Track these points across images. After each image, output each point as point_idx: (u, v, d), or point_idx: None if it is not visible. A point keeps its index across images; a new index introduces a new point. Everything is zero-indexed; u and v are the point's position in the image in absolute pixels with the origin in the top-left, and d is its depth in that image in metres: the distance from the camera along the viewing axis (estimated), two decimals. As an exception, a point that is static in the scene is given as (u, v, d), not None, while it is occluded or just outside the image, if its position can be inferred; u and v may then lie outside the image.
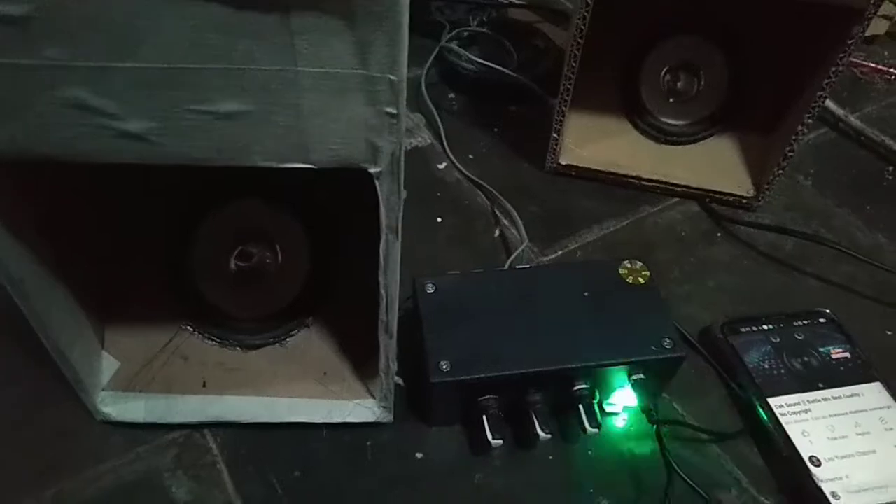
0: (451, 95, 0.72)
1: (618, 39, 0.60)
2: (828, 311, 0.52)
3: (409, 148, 0.66)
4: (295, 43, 0.24)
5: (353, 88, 0.26)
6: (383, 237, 0.32)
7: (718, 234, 0.60)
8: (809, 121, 0.53)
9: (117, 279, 0.43)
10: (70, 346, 0.39)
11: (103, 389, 0.43)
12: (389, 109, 0.27)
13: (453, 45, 0.71)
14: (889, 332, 0.54)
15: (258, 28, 0.24)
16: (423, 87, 0.70)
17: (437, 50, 0.72)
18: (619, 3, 0.52)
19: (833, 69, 0.50)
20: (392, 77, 0.25)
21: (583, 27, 0.51)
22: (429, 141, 0.67)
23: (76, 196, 0.38)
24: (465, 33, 0.75)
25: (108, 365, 0.43)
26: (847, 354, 0.50)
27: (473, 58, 0.69)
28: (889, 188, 0.66)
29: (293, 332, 0.45)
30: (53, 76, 0.24)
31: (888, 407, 0.47)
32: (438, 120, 0.67)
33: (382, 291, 0.35)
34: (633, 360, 0.44)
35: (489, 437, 0.42)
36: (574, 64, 0.54)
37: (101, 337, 0.43)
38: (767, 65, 0.59)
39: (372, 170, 0.29)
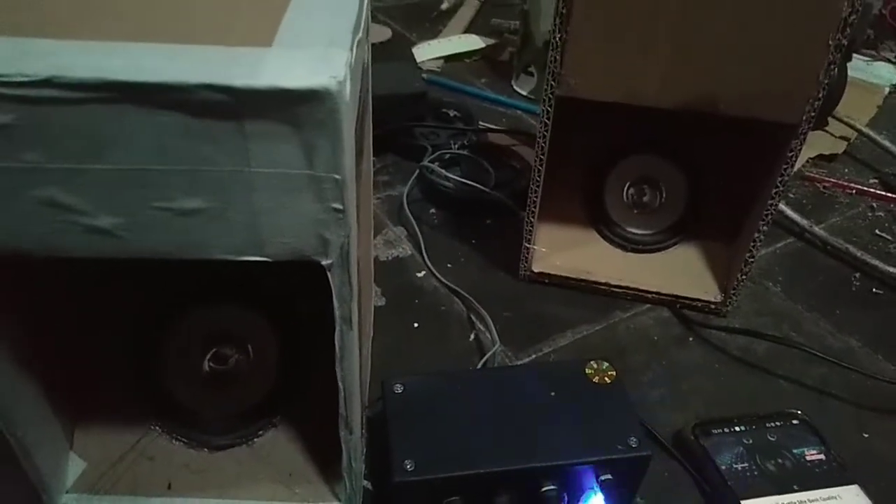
0: (432, 210, 0.76)
1: (581, 157, 0.64)
2: (800, 412, 0.52)
3: (390, 258, 0.69)
4: (248, 146, 0.27)
5: (301, 187, 0.29)
6: (337, 328, 0.34)
7: (690, 339, 0.61)
8: (764, 228, 0.56)
9: (87, 378, 0.44)
10: (36, 446, 0.39)
11: (67, 492, 0.43)
12: (336, 205, 0.29)
13: (432, 165, 0.76)
14: (865, 435, 0.53)
15: (215, 134, 0.27)
16: (405, 203, 0.74)
17: (418, 169, 0.77)
18: (578, 125, 0.57)
19: (780, 179, 0.53)
20: (336, 176, 0.28)
21: (544, 145, 0.56)
22: (409, 252, 0.70)
23: (48, 294, 0.40)
24: (447, 155, 0.81)
25: (74, 465, 0.43)
26: (822, 456, 0.49)
27: (450, 175, 0.73)
28: (857, 294, 0.67)
29: (260, 432, 0.46)
30: (30, 177, 0.27)
31: (867, 510, 0.46)
32: (419, 232, 0.70)
33: (340, 383, 0.37)
34: (598, 458, 0.44)
35: (454, 540, 0.42)
36: (539, 179, 0.58)
37: (69, 437, 0.44)
38: (722, 177, 0.63)
39: (323, 262, 0.31)
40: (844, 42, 0.46)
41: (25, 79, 0.25)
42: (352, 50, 0.29)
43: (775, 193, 0.54)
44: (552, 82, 0.52)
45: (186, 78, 0.25)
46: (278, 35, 0.29)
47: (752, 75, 0.48)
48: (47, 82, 0.25)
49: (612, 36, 0.48)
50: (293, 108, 0.26)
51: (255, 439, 0.46)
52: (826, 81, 0.48)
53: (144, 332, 0.45)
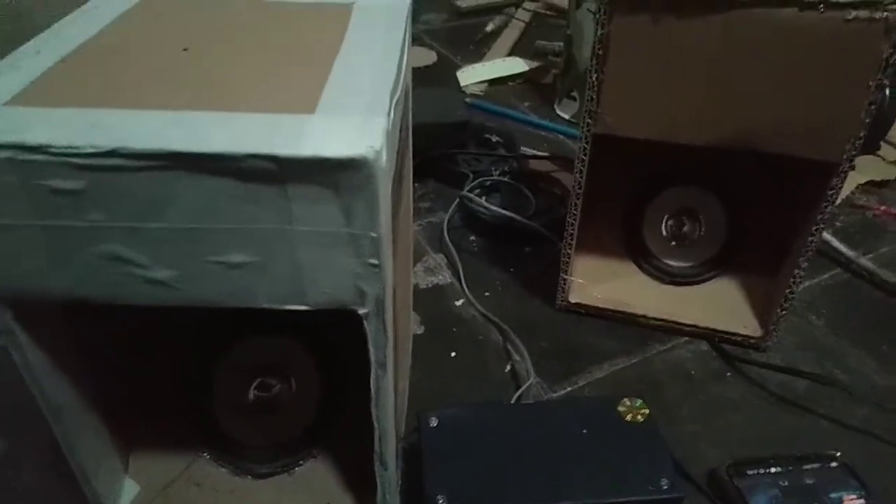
0: (472, 238, 0.77)
1: (620, 188, 0.65)
2: (839, 454, 0.51)
3: (430, 286, 0.71)
4: (291, 207, 0.29)
5: (340, 243, 0.30)
6: (373, 371, 0.36)
7: (728, 374, 0.61)
8: (804, 264, 0.55)
9: (142, 408, 0.47)
10: (95, 471, 0.42)
11: (122, 513, 0.46)
12: (372, 261, 0.31)
13: (472, 195, 0.77)
14: (909, 479, 0.52)
15: (261, 196, 0.29)
16: (446, 231, 0.75)
17: (458, 198, 0.78)
18: (617, 157, 0.58)
19: (819, 217, 0.53)
20: (373, 234, 0.30)
21: (581, 180, 0.56)
22: (449, 280, 0.71)
23: (107, 330, 0.43)
24: (488, 182, 0.82)
25: (129, 489, 0.46)
26: (861, 501, 0.48)
27: (489, 206, 0.75)
28: (905, 329, 0.66)
29: (301, 462, 0.48)
30: (95, 234, 0.30)
31: (907, 559, 0.45)
32: (458, 260, 0.72)
33: (375, 423, 0.38)
34: (629, 499, 0.44)
35: (485, 574, 0.43)
36: (576, 211, 0.59)
37: (125, 461, 0.47)
38: (762, 211, 0.62)
39: (360, 311, 0.33)
40: (886, 82, 0.45)
41: (94, 150, 0.28)
42: (389, 115, 0.30)
43: (816, 230, 0.53)
44: (589, 120, 0.53)
45: (235, 148, 0.28)
46: (321, 101, 0.31)
47: (790, 114, 0.48)
48: (113, 153, 0.28)
49: (648, 76, 0.49)
50: (333, 174, 0.28)
51: (296, 469, 0.48)
52: (868, 120, 0.47)
53: (195, 363, 0.48)
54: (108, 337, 0.44)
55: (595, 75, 0.50)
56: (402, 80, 0.35)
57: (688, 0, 0.45)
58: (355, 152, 0.28)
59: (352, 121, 0.29)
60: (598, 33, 0.48)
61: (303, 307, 0.33)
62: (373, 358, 0.35)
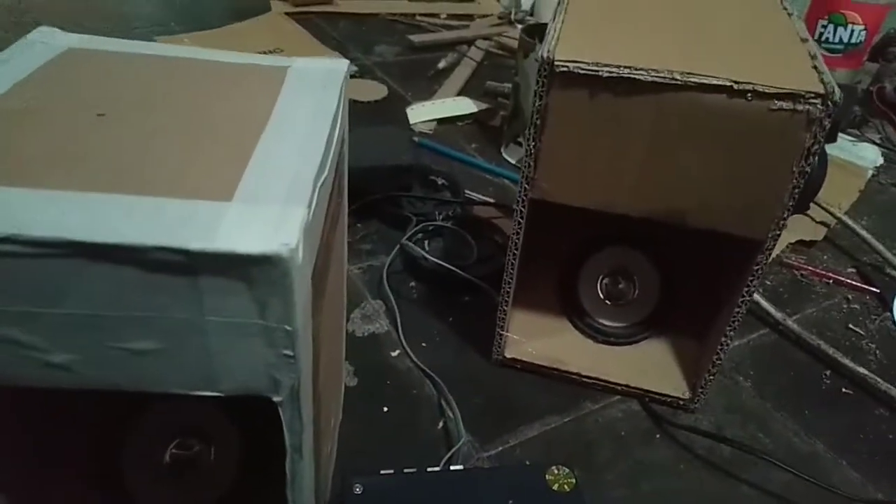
0: (412, 284, 0.76)
1: (557, 247, 0.65)
2: (758, 524, 0.52)
3: (365, 335, 0.69)
4: (202, 298, 0.28)
5: (253, 334, 0.29)
6: (289, 456, 0.34)
7: (657, 435, 0.62)
8: (731, 333, 0.57)
9: (51, 478, 0.45)
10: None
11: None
12: (286, 352, 0.30)
13: (411, 243, 0.77)
14: (825, 548, 0.53)
15: (169, 286, 0.28)
16: (385, 277, 0.75)
17: (399, 244, 0.78)
18: (554, 216, 0.58)
19: (746, 289, 0.54)
20: (287, 327, 0.29)
21: (517, 241, 0.57)
22: (386, 328, 0.70)
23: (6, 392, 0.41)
24: (431, 227, 0.82)
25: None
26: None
27: (428, 256, 0.74)
28: (826, 393, 0.68)
29: (218, 531, 0.46)
30: (-11, 319, 0.28)
31: None
32: (396, 308, 0.71)
33: (291, 504, 0.37)
34: (551, 575, 0.44)
35: None
36: (512, 270, 0.59)
37: (25, 530, 0.44)
38: (694, 275, 0.63)
39: (274, 398, 0.32)
40: (807, 169, 0.47)
41: (-15, 235, 0.26)
42: (311, 203, 0.30)
43: (742, 301, 0.55)
44: (525, 185, 0.53)
45: (142, 239, 0.26)
46: (240, 186, 0.30)
47: (717, 195, 0.49)
48: (7, 240, 0.26)
49: (584, 150, 0.50)
50: (246, 269, 0.27)
51: (211, 538, 0.46)
52: (791, 203, 0.49)
53: (106, 423, 0.45)
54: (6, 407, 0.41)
55: (532, 143, 0.50)
56: (331, 157, 0.35)
57: (622, 80, 0.46)
58: (269, 249, 0.27)
59: (269, 212, 0.28)
60: (536, 104, 0.48)
61: (213, 393, 0.32)
62: (288, 443, 0.34)
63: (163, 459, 0.47)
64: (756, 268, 0.52)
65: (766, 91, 0.45)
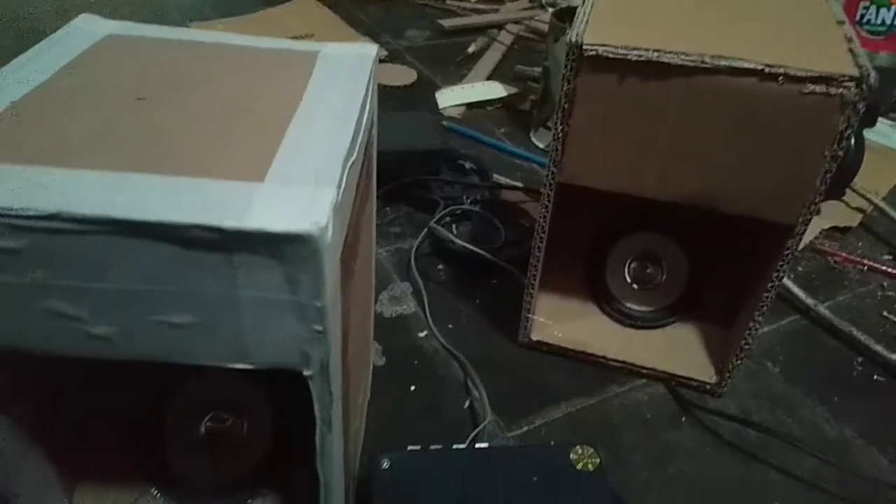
0: (440, 267, 0.77)
1: (585, 231, 0.66)
2: (784, 508, 0.52)
3: (393, 316, 0.71)
4: (236, 274, 0.29)
5: (285, 310, 0.30)
6: (318, 429, 0.36)
7: (683, 419, 0.62)
8: (760, 317, 0.56)
9: (87, 442, 0.47)
10: (38, 504, 0.42)
11: (64, 549, 0.45)
12: (317, 327, 0.31)
13: (439, 226, 0.77)
14: (851, 534, 0.53)
15: (204, 262, 0.29)
16: (413, 260, 0.76)
17: (427, 227, 0.79)
18: (583, 198, 0.58)
19: (775, 274, 0.54)
20: (318, 303, 0.30)
21: (544, 225, 0.57)
22: (413, 309, 0.71)
23: (51, 368, 0.43)
24: (459, 211, 0.82)
25: (72, 525, 0.46)
26: (802, 557, 0.49)
27: (455, 240, 0.75)
28: (858, 380, 0.67)
29: (250, 501, 0.48)
30: (37, 291, 0.30)
31: None
32: (423, 290, 0.72)
33: (321, 478, 0.38)
34: (573, 551, 0.45)
35: None
36: (539, 253, 0.59)
37: (69, 496, 0.46)
38: (723, 260, 0.63)
39: (305, 372, 0.33)
40: (840, 153, 0.46)
41: (35, 213, 0.27)
42: (340, 184, 0.30)
43: (771, 286, 0.54)
44: (553, 169, 0.53)
45: (179, 218, 0.28)
46: (272, 168, 0.31)
47: (748, 178, 0.49)
48: (55, 216, 0.27)
49: (612, 133, 0.50)
50: (278, 246, 0.28)
51: (244, 508, 0.47)
52: (823, 187, 0.48)
53: (145, 396, 0.47)
54: (54, 377, 0.43)
55: (560, 127, 0.51)
56: (360, 140, 0.36)
57: (651, 64, 0.46)
58: (301, 228, 0.28)
59: (300, 192, 0.29)
60: (564, 88, 0.48)
61: (246, 366, 0.33)
62: (318, 417, 0.35)
63: (198, 432, 0.49)
64: (786, 252, 0.52)
65: (798, 75, 0.44)
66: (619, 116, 0.49)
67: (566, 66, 0.48)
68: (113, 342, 0.32)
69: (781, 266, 0.53)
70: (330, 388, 0.34)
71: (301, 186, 0.30)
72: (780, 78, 0.44)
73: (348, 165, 0.32)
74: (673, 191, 0.51)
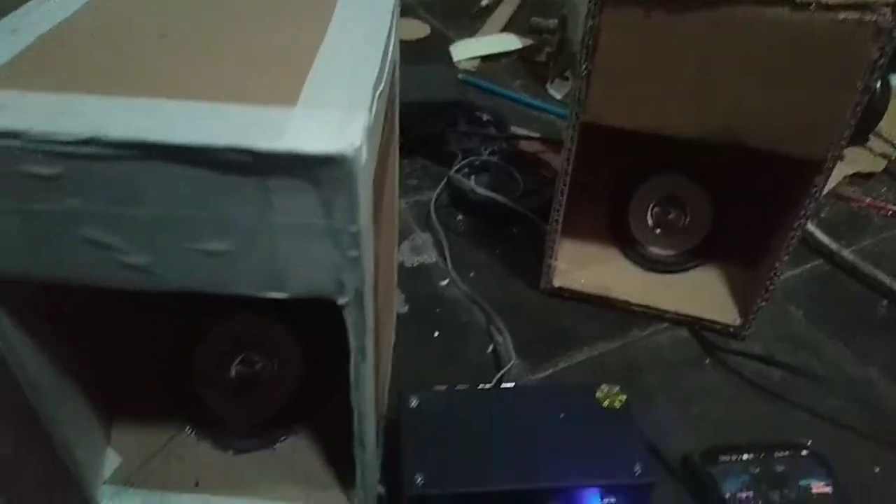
0: (459, 217, 0.77)
1: (607, 175, 0.65)
2: (810, 443, 0.52)
3: (415, 265, 0.71)
4: (270, 199, 0.29)
5: (320, 235, 0.31)
6: (353, 358, 0.36)
7: (706, 361, 0.62)
8: (786, 257, 0.56)
9: (124, 381, 0.48)
10: (76, 442, 0.43)
11: (104, 482, 0.46)
12: (351, 253, 0.31)
13: (459, 175, 0.77)
14: (877, 469, 0.53)
15: (239, 187, 0.29)
16: (433, 210, 0.75)
17: (447, 177, 0.78)
18: (606, 144, 0.58)
19: (802, 212, 0.53)
20: (352, 228, 0.30)
21: (568, 167, 0.57)
22: (434, 259, 0.72)
23: (88, 305, 0.43)
24: (477, 162, 0.82)
25: (111, 460, 0.47)
26: (828, 490, 0.50)
27: (476, 188, 0.75)
28: (882, 321, 0.67)
29: (282, 439, 0.49)
30: (74, 219, 0.30)
31: (868, 547, 0.47)
32: (444, 240, 0.72)
33: (355, 408, 0.39)
34: (602, 483, 0.45)
35: (459, 553, 0.44)
36: (562, 197, 0.59)
37: (107, 434, 0.47)
38: (747, 203, 0.62)
39: (339, 301, 0.33)
40: (873, 84, 0.45)
41: (70, 137, 0.27)
42: (371, 109, 0.30)
43: (798, 224, 0.54)
44: (577, 108, 0.53)
45: (213, 140, 0.27)
46: (302, 94, 0.30)
47: (777, 112, 0.48)
48: (90, 141, 0.27)
49: (637, 67, 0.49)
50: (312, 169, 0.28)
51: (277, 445, 0.48)
52: (853, 121, 0.47)
53: (178, 338, 0.48)
54: (90, 315, 0.44)
55: (584, 65, 0.50)
56: (386, 70, 0.35)
57: (678, -7, 0.45)
58: (335, 149, 0.27)
59: (333, 115, 0.29)
60: (589, 24, 0.47)
61: (281, 295, 0.33)
62: (352, 345, 0.35)
63: (229, 374, 0.49)
64: (813, 189, 0.51)
65: (831, 2, 0.43)
66: (644, 51, 0.48)
67: (590, 1, 0.47)
68: (148, 272, 0.32)
69: (808, 203, 0.52)
70: (364, 317, 0.34)
71: (333, 110, 0.29)
72: (812, 6, 0.43)
73: (378, 92, 0.32)
74: (699, 127, 0.51)
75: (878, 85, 0.77)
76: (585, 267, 0.66)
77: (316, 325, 0.48)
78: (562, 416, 0.49)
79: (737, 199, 0.63)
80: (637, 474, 0.45)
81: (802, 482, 0.50)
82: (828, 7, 0.43)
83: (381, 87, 0.33)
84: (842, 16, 0.43)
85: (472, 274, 0.70)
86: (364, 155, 0.28)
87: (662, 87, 0.49)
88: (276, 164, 0.28)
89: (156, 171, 0.28)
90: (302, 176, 0.28)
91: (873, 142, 0.87)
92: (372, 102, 0.31)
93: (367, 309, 0.34)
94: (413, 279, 0.69)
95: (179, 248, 0.31)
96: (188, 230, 0.31)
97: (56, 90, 0.29)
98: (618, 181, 0.65)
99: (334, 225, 0.30)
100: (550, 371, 0.60)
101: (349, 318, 0.34)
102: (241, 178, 0.29)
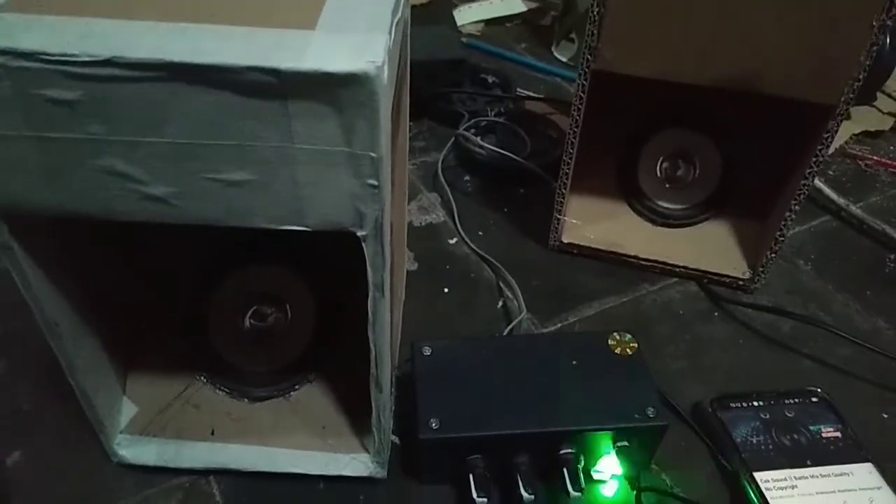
0: (467, 178, 0.77)
1: (616, 128, 0.65)
2: (819, 389, 0.53)
3: (423, 224, 0.71)
4: (292, 124, 0.29)
5: (340, 163, 0.30)
6: (371, 294, 0.36)
7: (716, 314, 0.62)
8: (796, 208, 0.56)
9: (141, 330, 0.48)
10: (94, 390, 0.43)
11: (121, 432, 0.47)
12: (371, 181, 0.31)
13: (467, 133, 0.77)
14: (885, 415, 0.54)
15: (261, 111, 0.29)
16: (440, 170, 0.75)
17: (454, 137, 0.78)
18: (614, 97, 0.57)
19: (814, 160, 0.53)
20: (373, 154, 0.30)
21: (578, 118, 0.56)
22: (442, 218, 0.72)
23: (104, 252, 0.43)
24: (483, 122, 0.81)
25: (127, 409, 0.47)
26: (838, 434, 0.50)
27: (485, 144, 0.74)
28: (890, 275, 0.67)
29: (297, 387, 0.49)
30: (93, 148, 0.30)
31: (878, 488, 0.47)
32: (452, 200, 0.72)
33: (372, 346, 0.39)
34: (615, 426, 0.46)
35: (474, 495, 0.44)
36: (572, 150, 0.59)
37: (122, 383, 0.47)
38: (756, 156, 0.62)
39: (358, 233, 0.33)
40: (889, 23, 0.45)
41: (89, 58, 0.27)
42: (390, 33, 0.30)
43: (809, 174, 0.54)
44: (588, 56, 0.52)
45: (236, 60, 0.27)
46: (322, 18, 0.30)
47: (792, 54, 0.48)
48: (109, 62, 0.27)
49: (651, 11, 0.48)
50: (334, 90, 0.28)
51: (292, 393, 0.49)
52: (868, 63, 0.47)
53: (192, 289, 0.48)
54: (107, 261, 0.44)
55: (597, 9, 0.49)
56: (402, 4, 0.35)
57: (695, -70, 0.44)
58: (357, 67, 0.27)
59: (354, 37, 0.29)
60: (602, -35, 0.47)
61: (302, 228, 0.33)
62: (371, 280, 0.35)
63: (243, 324, 0.49)
64: (826, 135, 0.51)
65: (848, -64, 0.42)
66: (658, -6, 0.47)
67: (603, -58, 0.47)
68: (169, 203, 0.32)
69: (820, 150, 0.52)
70: (383, 250, 0.34)
71: (353, 33, 0.29)
72: (830, -60, 0.43)
73: (396, 19, 0.32)
74: (713, 73, 0.50)
75: (888, 41, 0.76)
76: (595, 222, 0.66)
77: (328, 273, 0.48)
78: (574, 362, 0.49)
79: (746, 152, 0.63)
80: (650, 416, 0.46)
81: (812, 427, 0.51)
82: (844, -56, 0.43)
83: (398, 16, 0.33)
84: (859, -48, 0.43)
85: (480, 233, 0.70)
86: (385, 74, 0.28)
87: (675, 32, 0.49)
88: (298, 86, 0.28)
89: (177, 96, 0.28)
90: (324, 98, 0.28)
91: (881, 100, 0.87)
92: (391, 27, 0.30)
93: (385, 242, 0.34)
94: (422, 238, 0.69)
95: (200, 179, 0.31)
96: (209, 159, 0.30)
97: (74, 14, 0.29)
98: (627, 135, 0.65)
99: (354, 151, 0.30)
100: (560, 325, 0.61)
101: (368, 251, 0.34)
102: (263, 101, 0.28)
